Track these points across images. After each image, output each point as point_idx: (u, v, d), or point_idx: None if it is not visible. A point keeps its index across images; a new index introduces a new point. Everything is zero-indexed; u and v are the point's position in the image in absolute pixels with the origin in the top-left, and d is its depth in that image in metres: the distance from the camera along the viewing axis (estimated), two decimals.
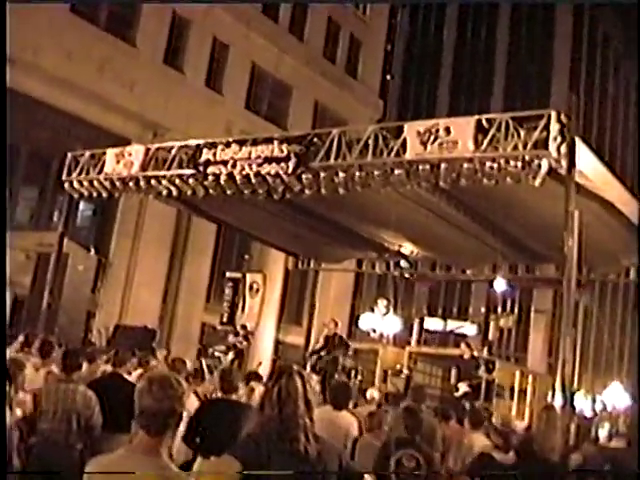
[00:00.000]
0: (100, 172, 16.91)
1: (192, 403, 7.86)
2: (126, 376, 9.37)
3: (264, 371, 18.10)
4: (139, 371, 11.03)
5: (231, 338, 22.53)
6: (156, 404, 3.85)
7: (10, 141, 25.78)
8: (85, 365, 9.29)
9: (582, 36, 63.50)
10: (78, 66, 26.25)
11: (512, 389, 19.97)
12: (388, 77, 44.40)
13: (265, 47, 33.89)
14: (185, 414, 4.22)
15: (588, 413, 28.13)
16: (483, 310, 35.85)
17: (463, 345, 18.99)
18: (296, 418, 4.21)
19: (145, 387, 3.92)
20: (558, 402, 10.65)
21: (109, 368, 10.12)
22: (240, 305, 26.76)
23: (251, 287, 27.05)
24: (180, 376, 4.17)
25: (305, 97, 36.30)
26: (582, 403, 23.98)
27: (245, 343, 22.39)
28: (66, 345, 12.47)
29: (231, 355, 21.45)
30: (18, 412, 7.33)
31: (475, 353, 18.74)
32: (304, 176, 13.63)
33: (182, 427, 4.72)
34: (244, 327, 23.25)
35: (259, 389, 7.88)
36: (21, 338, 13.46)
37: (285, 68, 35.12)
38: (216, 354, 22.89)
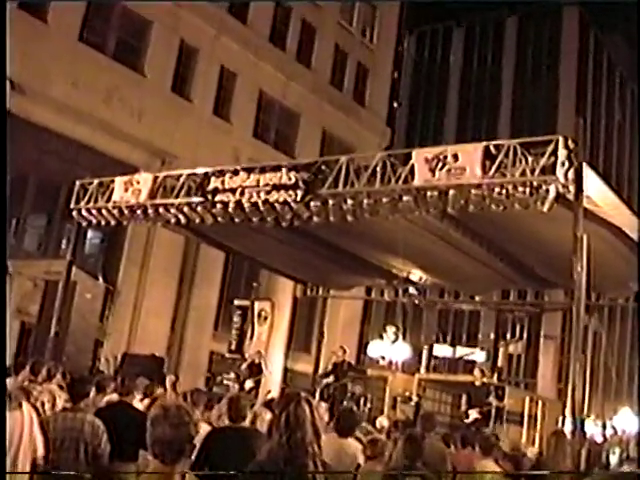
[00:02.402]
0: (108, 200, 16.93)
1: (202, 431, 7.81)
2: (135, 404, 9.34)
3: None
4: (146, 401, 10.96)
5: (245, 366, 22.42)
6: (171, 432, 3.82)
7: (19, 169, 25.97)
8: (92, 393, 9.25)
9: (588, 61, 63.69)
10: (86, 94, 26.38)
11: (522, 415, 19.86)
12: (395, 104, 44.48)
13: (273, 75, 34.05)
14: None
15: (598, 438, 27.91)
16: (492, 336, 35.70)
17: (476, 371, 18.92)
18: (305, 445, 4.17)
19: (160, 415, 3.89)
20: (568, 428, 10.57)
21: (116, 397, 10.07)
22: (249, 333, 26.67)
23: (259, 315, 26.96)
24: (198, 408, 4.13)
25: (313, 124, 36.39)
26: (592, 428, 23.81)
27: (266, 370, 22.30)
28: (72, 374, 12.42)
29: (250, 383, 21.33)
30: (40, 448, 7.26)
31: (485, 380, 18.66)
32: (312, 203, 13.61)
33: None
34: (260, 353, 23.14)
35: (265, 416, 7.81)
36: (28, 367, 13.43)
37: (293, 96, 35.25)
38: (225, 382, 22.81)
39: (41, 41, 25.69)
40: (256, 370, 21.94)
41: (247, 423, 7.89)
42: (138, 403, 10.51)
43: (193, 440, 3.91)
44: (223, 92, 32.62)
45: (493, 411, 17.91)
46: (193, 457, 6.62)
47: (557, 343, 39.12)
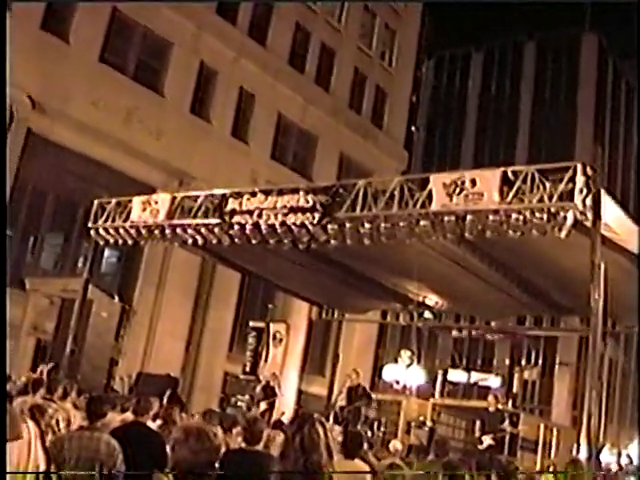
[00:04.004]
0: (126, 220, 16.99)
1: None
2: (149, 424, 9.33)
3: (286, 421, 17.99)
4: (159, 421, 10.94)
5: (259, 388, 22.37)
6: (192, 456, 3.82)
7: (37, 188, 26.15)
8: (109, 413, 9.25)
9: (606, 87, 63.68)
10: (106, 114, 26.58)
11: (536, 442, 19.72)
12: (413, 128, 44.58)
13: (291, 97, 34.20)
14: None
15: (614, 467, 27.71)
16: (507, 362, 35.53)
17: (491, 397, 18.80)
18: (320, 467, 4.17)
19: (181, 439, 3.88)
20: (583, 456, 10.51)
21: (131, 416, 10.06)
22: (263, 355, 26.62)
23: (274, 337, 26.91)
24: (214, 428, 4.12)
25: (330, 147, 36.47)
26: (608, 457, 23.65)
27: (278, 393, 22.24)
28: (90, 392, 12.44)
29: (264, 405, 21.28)
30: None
31: (500, 406, 18.56)
32: (330, 226, 13.63)
33: None
34: (275, 375, 23.09)
35: (278, 439, 7.80)
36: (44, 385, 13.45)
37: (311, 118, 35.37)
38: (239, 403, 22.77)
39: (62, 61, 25.93)
40: (270, 392, 21.88)
41: (261, 446, 7.88)
42: (151, 423, 10.51)
43: (213, 465, 3.90)
44: (242, 114, 32.77)
45: (507, 437, 17.80)
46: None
47: (573, 370, 38.94)
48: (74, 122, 25.76)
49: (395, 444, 13.27)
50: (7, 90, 23.96)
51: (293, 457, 4.22)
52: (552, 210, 11.38)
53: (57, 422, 8.63)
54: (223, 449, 7.90)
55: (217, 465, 3.99)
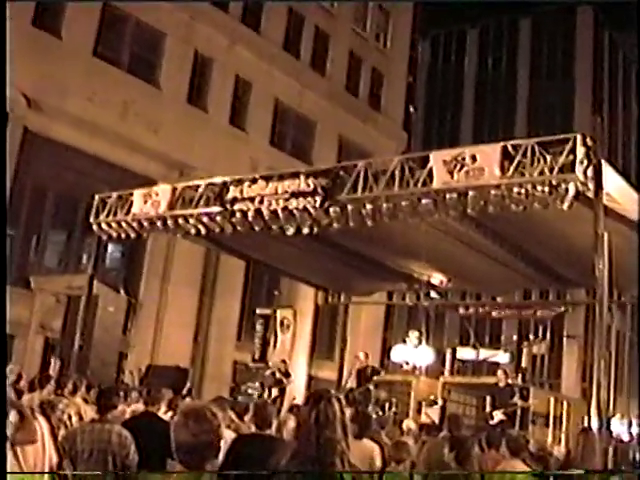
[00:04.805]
0: (128, 213, 16.99)
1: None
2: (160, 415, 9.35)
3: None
4: (170, 413, 10.96)
5: (268, 374, 22.39)
6: (193, 439, 3.81)
7: (37, 185, 26.14)
8: (120, 405, 9.28)
9: (603, 60, 63.51)
10: (102, 109, 26.54)
11: (547, 415, 19.72)
12: (411, 109, 44.46)
13: (288, 83, 34.13)
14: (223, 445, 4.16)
15: (625, 437, 27.73)
16: (515, 337, 35.53)
17: (500, 372, 18.78)
18: (334, 443, 4.16)
19: (180, 422, 3.88)
20: (594, 427, 10.52)
21: (141, 407, 10.09)
22: (272, 342, 26.65)
23: (282, 323, 26.96)
24: (214, 408, 4.10)
25: (329, 131, 36.42)
26: (618, 427, 23.68)
27: (289, 378, 22.27)
28: (99, 385, 12.48)
29: (275, 392, 21.30)
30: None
31: (510, 381, 18.56)
32: (332, 209, 13.61)
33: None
34: (284, 362, 23.11)
35: (291, 423, 7.80)
36: (53, 381, 13.51)
37: (308, 103, 35.30)
38: (249, 391, 22.81)
39: (56, 57, 25.87)
40: (280, 378, 21.92)
41: (273, 431, 7.88)
42: (163, 415, 10.53)
43: (214, 446, 3.90)
44: (238, 102, 32.73)
45: (518, 412, 17.81)
46: (220, 462, 6.61)
47: (581, 342, 38.98)
48: (71, 118, 25.73)
49: (408, 423, 13.29)
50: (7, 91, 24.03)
51: (306, 434, 4.20)
52: (553, 182, 11.35)
53: (69, 417, 8.65)
54: (233, 435, 7.95)
55: (220, 446, 3.97)
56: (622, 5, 57.75)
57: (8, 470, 6.05)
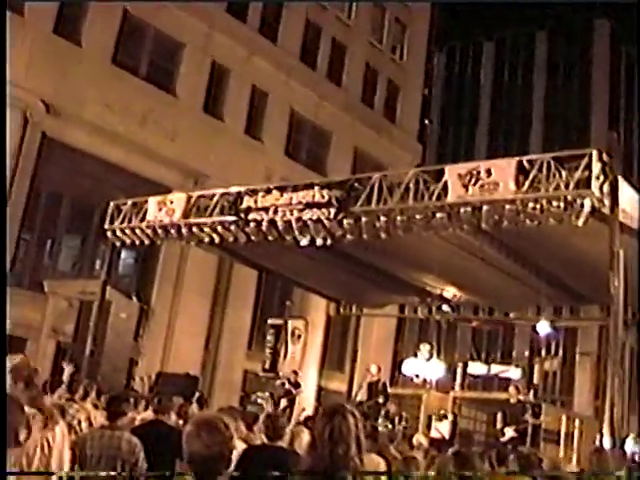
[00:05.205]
0: (142, 220, 17.03)
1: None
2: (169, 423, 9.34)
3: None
4: (181, 422, 10.94)
5: (279, 384, 22.35)
6: (205, 450, 3.80)
7: (53, 191, 26.24)
8: (129, 411, 9.27)
9: (619, 74, 63.38)
10: (120, 116, 26.64)
11: (559, 433, 19.63)
12: (426, 121, 44.46)
13: (304, 94, 34.17)
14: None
15: (638, 457, 27.52)
16: (527, 353, 35.46)
17: (512, 388, 18.71)
18: (347, 459, 4.14)
19: (193, 432, 3.87)
20: (607, 446, 10.44)
21: (150, 415, 10.08)
22: (282, 352, 26.63)
23: (293, 333, 26.92)
24: (226, 418, 4.08)
25: (344, 143, 36.43)
26: (632, 447, 23.50)
27: (299, 389, 22.20)
28: (109, 391, 12.47)
29: (284, 402, 21.25)
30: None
31: (521, 397, 18.48)
32: (345, 221, 13.61)
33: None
34: (295, 372, 23.06)
35: (304, 435, 7.78)
36: (64, 385, 13.54)
37: (324, 114, 35.33)
38: (259, 401, 22.76)
39: (75, 65, 26.00)
40: (290, 389, 21.87)
41: (285, 442, 7.86)
42: (172, 422, 10.52)
43: (226, 457, 3.88)
44: (255, 112, 32.78)
45: (529, 429, 17.72)
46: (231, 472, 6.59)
47: (594, 359, 38.74)
48: (88, 125, 25.85)
49: (419, 438, 13.23)
50: (22, 95, 24.13)
51: (320, 449, 4.18)
52: (569, 198, 11.32)
53: (79, 422, 8.66)
54: (244, 445, 7.93)
55: (231, 457, 3.96)
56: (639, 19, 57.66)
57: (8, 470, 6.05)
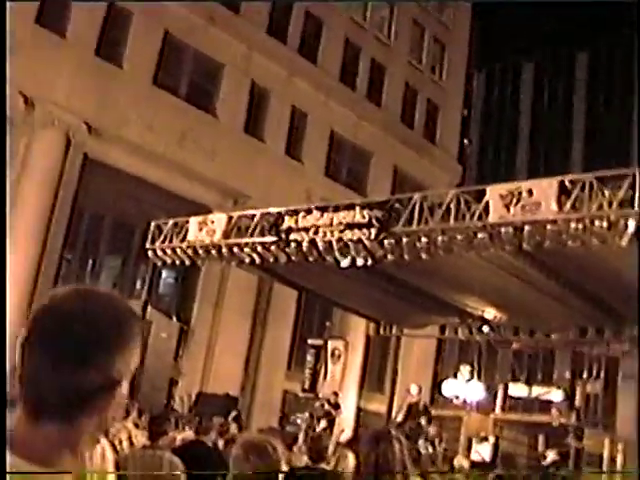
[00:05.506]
0: (183, 240, 17.11)
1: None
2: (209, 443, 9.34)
3: (346, 439, 17.90)
4: (221, 442, 10.95)
5: (318, 405, 22.30)
6: (253, 474, 3.78)
7: (95, 210, 26.48)
8: (170, 432, 9.29)
9: None
10: (160, 136, 26.85)
11: (601, 457, 19.38)
12: (466, 141, 44.35)
13: (343, 114, 34.23)
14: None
15: None
16: (568, 375, 35.09)
17: (554, 411, 18.57)
18: None
19: (241, 455, 3.85)
20: None
21: (191, 435, 10.09)
22: (322, 372, 26.59)
23: (333, 354, 26.88)
24: (274, 441, 4.06)
25: (384, 163, 36.43)
26: None
27: (339, 410, 22.14)
28: (151, 411, 12.52)
29: (324, 423, 21.19)
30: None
31: (563, 420, 18.30)
32: (386, 241, 13.58)
33: None
34: (335, 393, 23.00)
35: (349, 457, 7.73)
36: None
37: (364, 134, 35.36)
38: (298, 421, 22.73)
39: (116, 86, 26.27)
40: (330, 410, 21.82)
41: (331, 464, 7.81)
42: (211, 441, 10.53)
43: None
44: (295, 132, 32.89)
45: (572, 452, 17.52)
46: None
47: (637, 382, 38.25)
48: (129, 145, 26.10)
49: (460, 460, 13.14)
50: (64, 116, 24.41)
51: (365, 474, 4.14)
52: (612, 218, 11.21)
53: (120, 441, 8.69)
54: (285, 466, 7.90)
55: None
56: None
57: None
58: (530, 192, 11.98)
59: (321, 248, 14.39)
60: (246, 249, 15.82)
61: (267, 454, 3.84)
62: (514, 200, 12.05)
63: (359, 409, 30.21)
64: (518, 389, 41.88)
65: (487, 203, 12.44)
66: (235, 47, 30.11)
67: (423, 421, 18.39)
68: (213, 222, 16.67)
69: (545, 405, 28.62)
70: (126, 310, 1.77)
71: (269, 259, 15.64)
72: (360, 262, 14.36)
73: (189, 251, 17.08)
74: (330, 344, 27.32)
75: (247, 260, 16.12)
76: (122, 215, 27.20)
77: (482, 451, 19.51)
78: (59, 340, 1.62)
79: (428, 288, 18.72)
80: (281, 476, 4.09)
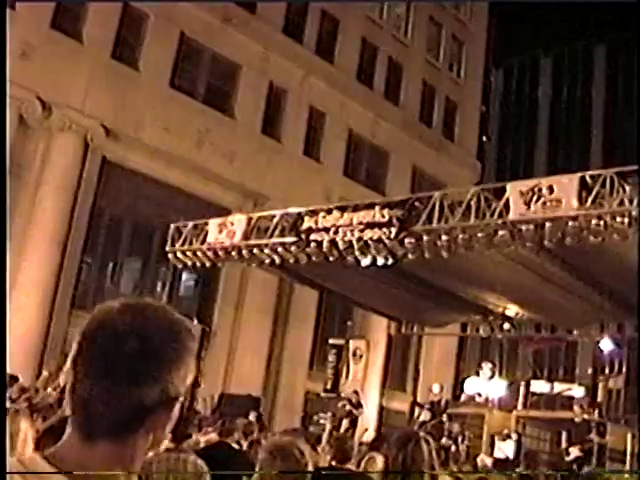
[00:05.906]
0: (203, 242, 17.16)
1: None
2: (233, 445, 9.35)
3: (369, 438, 17.90)
4: (245, 444, 10.94)
5: (340, 405, 22.30)
6: (278, 477, 3.78)
7: (115, 213, 26.57)
8: (194, 434, 9.30)
9: None
10: (178, 139, 26.90)
11: (624, 453, 19.27)
12: (484, 138, 44.22)
13: (361, 113, 34.19)
14: None
15: None
16: (590, 371, 34.86)
17: (576, 407, 18.48)
18: None
19: (268, 459, 3.85)
20: None
21: (215, 437, 10.09)
22: (344, 372, 26.55)
23: (355, 353, 26.82)
24: (301, 444, 4.06)
25: (403, 161, 36.35)
26: None
27: (360, 410, 22.12)
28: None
29: (346, 423, 21.19)
30: None
31: (586, 416, 18.22)
32: (407, 240, 13.57)
33: None
34: (356, 392, 22.99)
35: (378, 459, 7.72)
36: None
37: (382, 133, 35.31)
38: (321, 421, 22.71)
39: (133, 88, 26.34)
40: (352, 409, 21.81)
41: (354, 465, 7.79)
42: (235, 444, 10.54)
43: None
44: (313, 132, 32.87)
45: (595, 448, 17.43)
46: None
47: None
48: (148, 148, 26.16)
49: (483, 458, 13.12)
50: (82, 119, 24.50)
51: (393, 476, 4.14)
52: (633, 214, 11.16)
53: None
54: (311, 467, 7.90)
55: None
56: None
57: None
58: (550, 188, 11.95)
59: (341, 248, 14.40)
60: (266, 250, 15.85)
61: (294, 457, 3.84)
62: (534, 197, 12.03)
63: (381, 407, 30.18)
64: (540, 385, 41.69)
65: (507, 200, 12.43)
66: (252, 48, 30.10)
67: (445, 418, 18.37)
68: (233, 224, 16.71)
69: (567, 401, 28.43)
70: (180, 324, 1.77)
71: (289, 260, 15.66)
72: (381, 261, 14.35)
73: (209, 253, 17.13)
74: (352, 343, 27.27)
75: (267, 261, 16.14)
76: (141, 218, 27.25)
77: (505, 448, 19.43)
78: (113, 356, 1.62)
79: (449, 286, 18.71)
80: (308, 477, 4.09)
